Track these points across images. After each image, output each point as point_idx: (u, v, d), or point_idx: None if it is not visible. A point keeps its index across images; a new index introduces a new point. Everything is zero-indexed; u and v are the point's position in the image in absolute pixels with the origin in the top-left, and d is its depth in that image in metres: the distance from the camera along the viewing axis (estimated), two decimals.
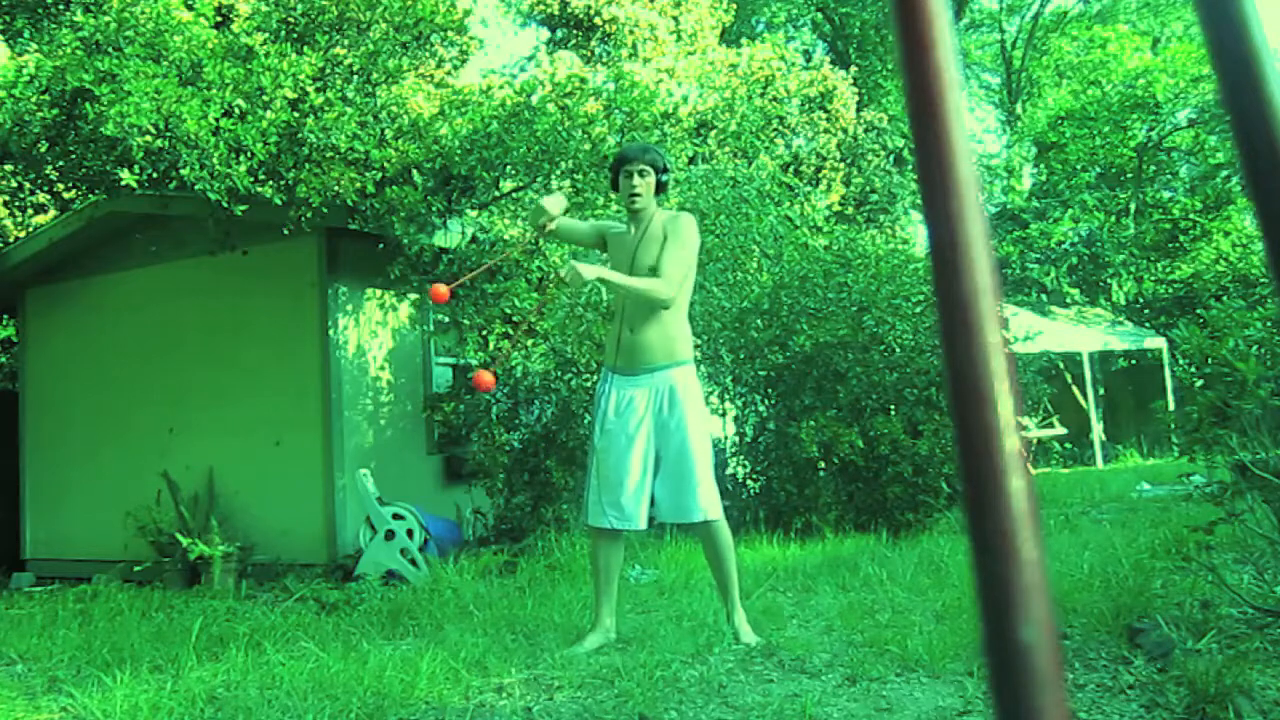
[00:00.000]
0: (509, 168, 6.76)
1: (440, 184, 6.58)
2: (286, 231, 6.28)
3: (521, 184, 7.17)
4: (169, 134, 5.85)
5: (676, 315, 3.64)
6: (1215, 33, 0.45)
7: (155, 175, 6.56)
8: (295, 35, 6.82)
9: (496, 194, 7.26)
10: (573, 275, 3.36)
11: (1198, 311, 4.13)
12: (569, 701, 2.93)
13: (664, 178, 3.72)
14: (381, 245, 6.61)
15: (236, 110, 6.10)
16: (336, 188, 6.25)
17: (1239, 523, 3.29)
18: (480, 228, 7.01)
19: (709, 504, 3.55)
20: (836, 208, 13.33)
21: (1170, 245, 17.81)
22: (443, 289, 3.61)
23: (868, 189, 14.79)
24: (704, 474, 3.55)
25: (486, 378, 3.44)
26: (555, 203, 3.68)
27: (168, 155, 6.04)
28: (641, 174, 3.66)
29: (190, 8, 6.75)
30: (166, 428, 7.51)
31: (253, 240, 6.84)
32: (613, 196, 7.04)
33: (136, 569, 6.63)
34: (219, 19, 7.84)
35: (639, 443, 3.56)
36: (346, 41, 6.96)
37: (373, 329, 7.27)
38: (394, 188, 6.35)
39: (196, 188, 5.90)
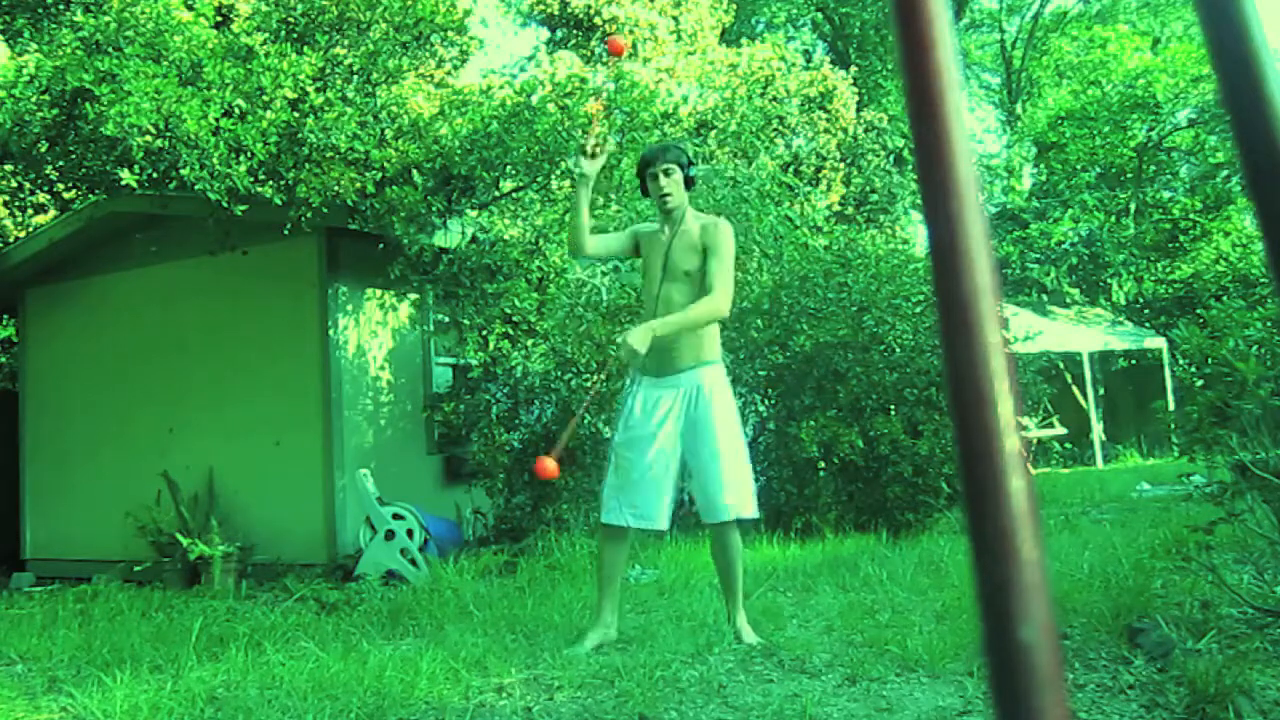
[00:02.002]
0: (509, 168, 6.76)
1: (440, 184, 6.58)
2: (286, 231, 6.28)
3: (521, 184, 7.17)
4: (169, 134, 5.85)
5: None
6: (1215, 33, 0.45)
7: (155, 175, 6.56)
8: (295, 35, 6.82)
9: (496, 194, 7.26)
10: (630, 353, 3.38)
11: (1198, 311, 4.13)
12: (569, 701, 2.93)
13: (690, 171, 3.75)
14: (381, 245, 6.61)
15: (236, 110, 6.09)
16: (336, 188, 6.25)
17: (1239, 523, 3.29)
18: (480, 228, 7.02)
19: (737, 502, 3.54)
20: (836, 208, 13.33)
21: (1170, 245, 17.80)
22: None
23: (868, 189, 14.78)
24: (732, 473, 3.54)
25: (550, 465, 3.35)
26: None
27: (168, 155, 6.04)
28: (667, 173, 3.68)
29: (190, 8, 6.75)
30: (166, 428, 7.51)
31: (253, 240, 6.84)
32: (612, 197, 7.06)
33: (136, 569, 6.62)
34: (219, 19, 7.83)
35: (660, 442, 3.57)
36: (346, 41, 6.96)
37: (373, 329, 7.27)
38: (394, 188, 6.35)
39: (196, 188, 5.89)
